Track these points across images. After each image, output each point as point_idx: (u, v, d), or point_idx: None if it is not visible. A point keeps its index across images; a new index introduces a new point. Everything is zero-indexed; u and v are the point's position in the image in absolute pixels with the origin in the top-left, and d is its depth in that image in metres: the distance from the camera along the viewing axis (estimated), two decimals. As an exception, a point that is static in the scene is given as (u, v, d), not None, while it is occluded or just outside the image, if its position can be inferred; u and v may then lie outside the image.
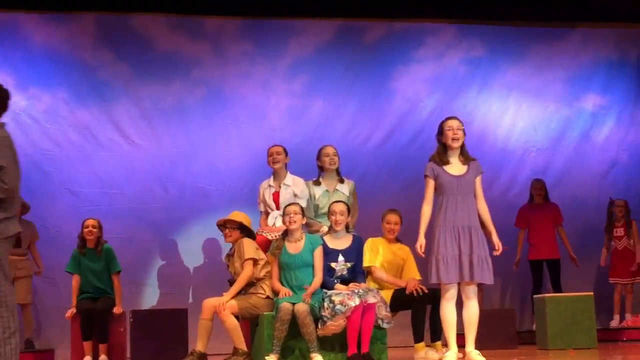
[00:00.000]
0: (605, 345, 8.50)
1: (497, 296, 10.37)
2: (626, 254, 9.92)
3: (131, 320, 7.83)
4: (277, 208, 7.65)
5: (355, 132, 10.29)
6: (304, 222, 7.07)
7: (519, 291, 10.30)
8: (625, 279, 9.90)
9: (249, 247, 6.92)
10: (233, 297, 6.79)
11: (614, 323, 9.84)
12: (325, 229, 7.36)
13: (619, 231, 9.99)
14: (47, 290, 9.30)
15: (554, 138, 10.76)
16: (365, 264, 7.16)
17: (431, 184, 6.27)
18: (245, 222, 7.12)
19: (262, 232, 7.60)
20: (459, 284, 6.16)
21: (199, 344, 6.73)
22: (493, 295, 10.30)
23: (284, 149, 7.88)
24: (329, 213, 7.01)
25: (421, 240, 6.17)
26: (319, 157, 7.83)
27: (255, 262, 6.90)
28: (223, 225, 7.15)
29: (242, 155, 9.87)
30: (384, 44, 10.46)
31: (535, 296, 8.78)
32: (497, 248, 6.24)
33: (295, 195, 7.63)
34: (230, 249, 7.14)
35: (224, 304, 6.67)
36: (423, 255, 6.18)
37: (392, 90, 10.46)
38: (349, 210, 7.08)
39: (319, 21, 10.33)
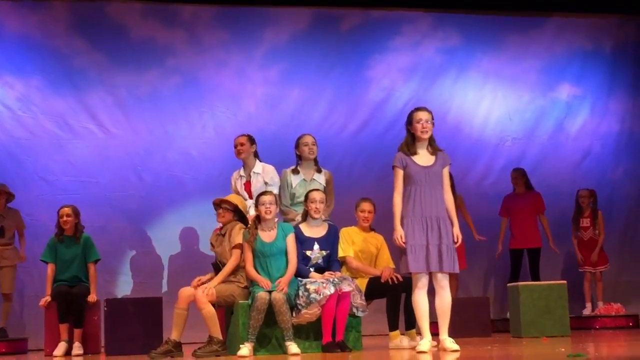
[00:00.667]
0: (578, 333, 8.57)
1: (479, 284, 10.42)
2: (591, 245, 9.98)
3: (105, 309, 7.79)
4: (250, 197, 7.61)
5: (330, 120, 10.28)
6: (277, 211, 7.07)
7: (500, 280, 10.32)
8: (592, 269, 9.96)
9: (241, 234, 6.92)
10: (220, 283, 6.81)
11: (587, 311, 9.92)
12: (299, 217, 7.36)
13: (585, 222, 10.01)
14: (22, 280, 9.23)
15: (529, 128, 10.81)
16: (340, 254, 7.16)
17: (400, 174, 6.26)
18: (241, 207, 7.15)
19: None
20: (430, 273, 6.18)
21: (174, 333, 6.73)
22: (475, 283, 10.36)
23: (249, 138, 7.81)
24: (308, 201, 7.01)
25: (400, 231, 6.14)
26: (297, 146, 7.74)
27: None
28: (218, 204, 7.13)
29: (217, 143, 9.83)
30: (360, 32, 10.45)
31: (509, 284, 8.77)
32: (456, 240, 6.22)
33: (266, 183, 7.61)
34: (222, 229, 7.13)
35: (210, 290, 6.67)
36: (404, 246, 6.13)
37: (368, 79, 10.46)
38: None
39: (295, 9, 10.31)
